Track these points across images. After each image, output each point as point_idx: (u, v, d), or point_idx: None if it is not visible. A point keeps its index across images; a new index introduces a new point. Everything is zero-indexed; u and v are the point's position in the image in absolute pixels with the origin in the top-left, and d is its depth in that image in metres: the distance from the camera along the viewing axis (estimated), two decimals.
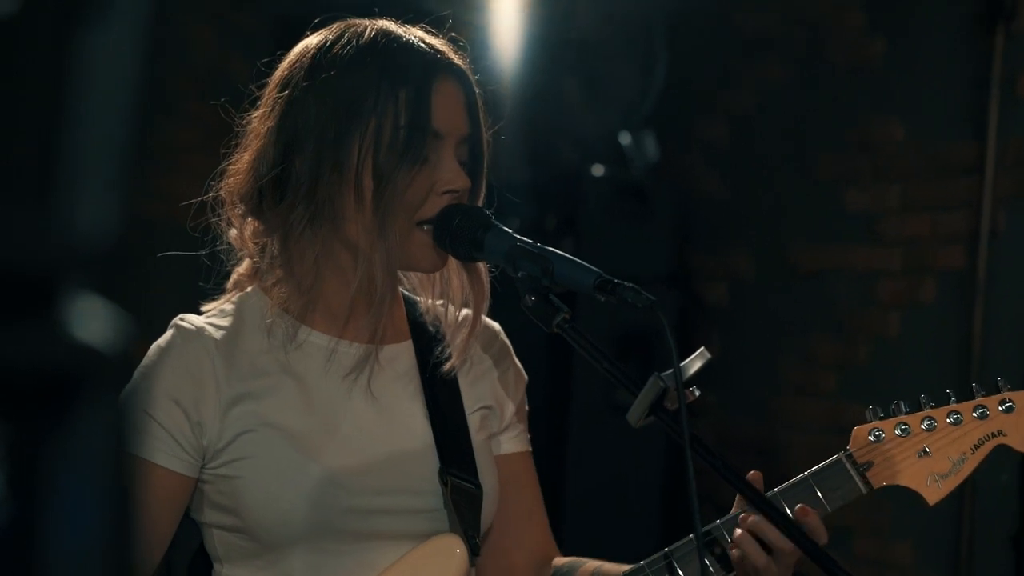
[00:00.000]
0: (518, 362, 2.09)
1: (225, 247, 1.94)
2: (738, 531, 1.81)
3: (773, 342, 5.25)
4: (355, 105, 1.81)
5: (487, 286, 1.94)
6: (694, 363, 1.67)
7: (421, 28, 1.92)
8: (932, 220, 4.66)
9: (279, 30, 4.38)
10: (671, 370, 1.63)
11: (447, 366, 1.93)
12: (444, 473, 1.87)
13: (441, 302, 1.99)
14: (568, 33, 5.64)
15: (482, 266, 1.93)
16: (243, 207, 1.89)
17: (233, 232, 1.92)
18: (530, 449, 2.07)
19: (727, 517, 1.86)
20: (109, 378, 0.67)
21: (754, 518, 1.80)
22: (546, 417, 4.96)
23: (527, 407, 2.09)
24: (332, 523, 1.81)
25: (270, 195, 1.85)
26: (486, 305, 1.96)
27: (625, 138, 5.60)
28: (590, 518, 4.81)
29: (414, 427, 1.90)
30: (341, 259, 1.86)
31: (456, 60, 1.90)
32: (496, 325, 2.07)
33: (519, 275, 1.74)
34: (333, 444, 1.83)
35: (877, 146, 4.87)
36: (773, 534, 1.78)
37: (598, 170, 5.34)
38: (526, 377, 2.09)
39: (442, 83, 1.85)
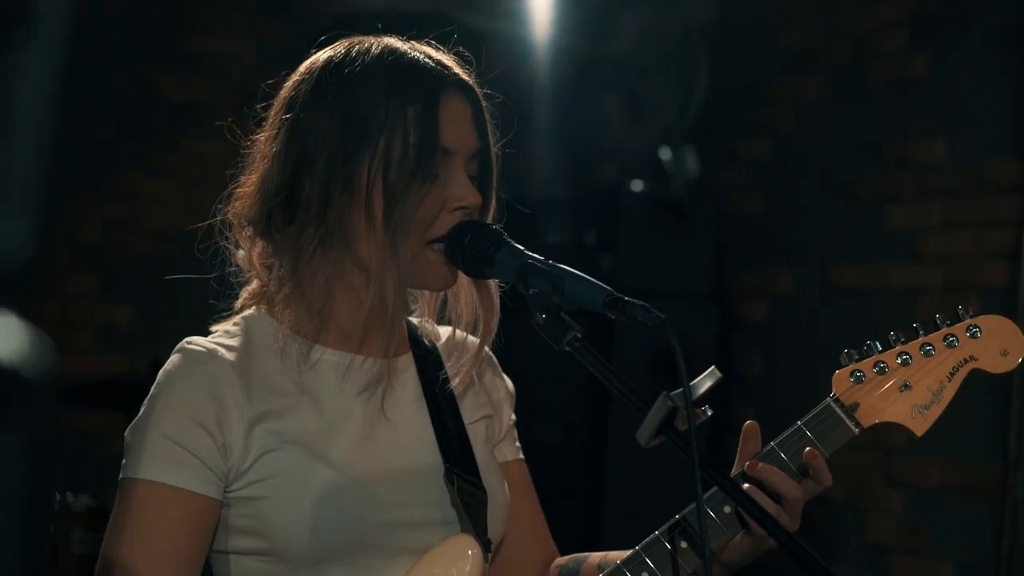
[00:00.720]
0: (506, 376, 2.11)
1: (233, 270, 1.94)
2: (746, 485, 1.83)
3: (812, 361, 5.22)
4: (364, 124, 1.80)
5: (497, 303, 1.95)
6: (704, 382, 1.66)
7: (427, 43, 1.91)
8: (974, 238, 4.63)
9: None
10: (680, 389, 1.61)
11: (455, 383, 1.95)
12: (450, 473, 1.88)
13: (426, 317, 2.01)
14: (608, 49, 5.64)
15: (492, 283, 1.93)
16: (251, 229, 1.89)
17: (241, 254, 1.91)
18: (522, 457, 2.09)
19: (732, 475, 1.86)
20: (25, 398, 0.66)
21: (761, 466, 1.83)
22: (587, 437, 4.95)
23: (515, 418, 2.11)
24: (366, 538, 1.80)
25: (279, 217, 1.84)
26: (496, 322, 1.96)
27: (666, 154, 5.60)
28: (629, 538, 4.78)
29: (423, 439, 1.91)
30: (353, 279, 1.85)
31: (463, 75, 1.90)
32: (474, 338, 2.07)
33: (530, 292, 1.73)
34: (357, 459, 1.83)
35: (918, 164, 4.85)
36: (780, 480, 1.81)
37: (637, 186, 5.33)
38: (513, 389, 2.11)
39: (449, 99, 1.84)
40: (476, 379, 2.02)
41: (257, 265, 1.90)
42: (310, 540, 1.76)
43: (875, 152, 5.02)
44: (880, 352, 1.91)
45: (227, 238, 1.92)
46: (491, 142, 1.91)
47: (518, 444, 2.09)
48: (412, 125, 1.79)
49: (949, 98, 4.76)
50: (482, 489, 1.91)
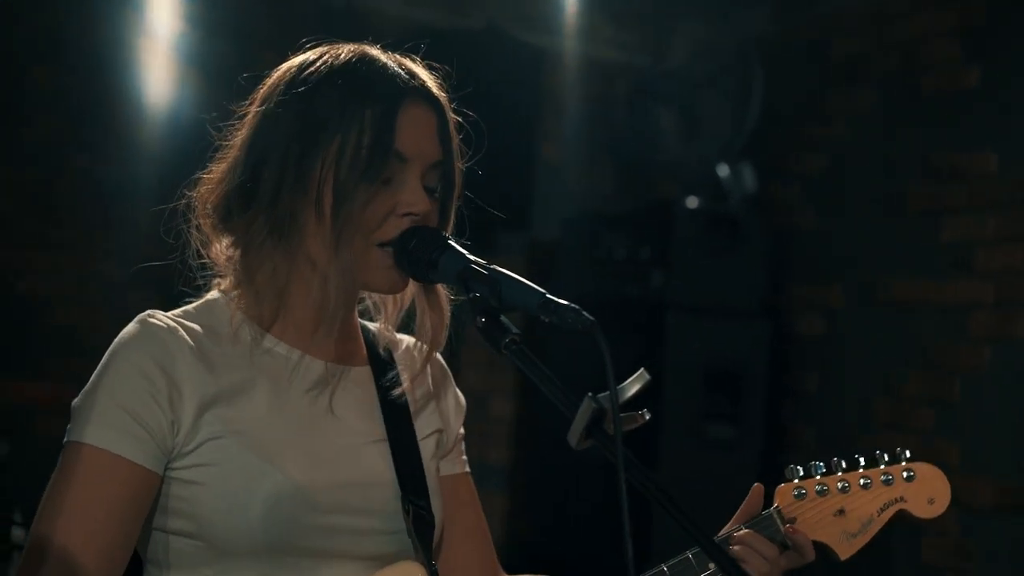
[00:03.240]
0: (457, 388, 2.12)
1: (195, 257, 1.96)
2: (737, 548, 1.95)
3: (867, 376, 5.20)
4: (321, 123, 1.83)
5: (447, 310, 1.96)
6: (632, 385, 1.63)
7: (403, 54, 1.93)
8: None
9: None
10: (607, 392, 1.61)
11: (398, 390, 1.96)
12: (406, 501, 1.90)
13: (389, 327, 2.02)
14: (664, 65, 5.67)
15: (442, 290, 1.95)
16: (214, 216, 1.92)
17: (214, 247, 1.95)
18: (468, 471, 2.11)
19: (721, 534, 1.98)
20: None
21: (743, 532, 1.96)
22: (636, 449, 4.95)
23: (463, 431, 2.12)
24: (292, 538, 1.81)
25: (237, 206, 1.88)
26: (445, 330, 1.98)
27: (722, 170, 5.60)
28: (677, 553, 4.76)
29: (376, 451, 1.92)
30: (304, 273, 1.88)
31: (431, 86, 1.90)
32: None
33: (470, 296, 1.75)
34: (299, 459, 1.84)
35: (971, 176, 4.81)
36: (760, 543, 1.95)
37: (692, 202, 5.34)
38: (464, 402, 2.12)
39: (412, 107, 1.86)
40: (430, 391, 2.04)
41: (221, 256, 1.94)
42: (235, 532, 1.78)
43: (928, 164, 4.99)
44: (824, 474, 2.04)
45: (189, 221, 1.95)
46: (455, 156, 1.92)
47: (465, 457, 2.11)
48: (368, 127, 1.82)
49: (1001, 109, 4.72)
50: (431, 513, 1.93)
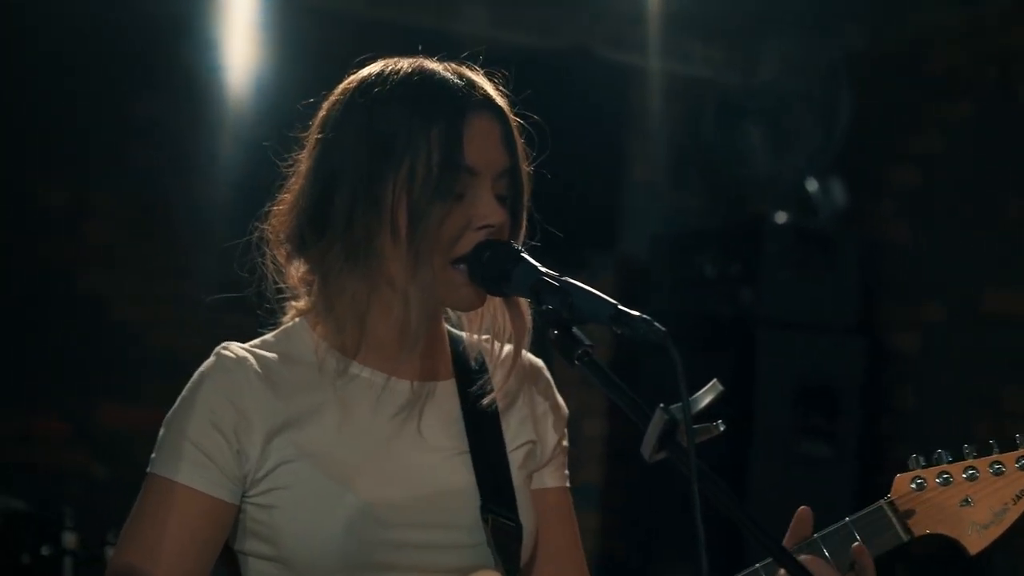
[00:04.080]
0: (560, 397, 2.08)
1: (272, 287, 1.97)
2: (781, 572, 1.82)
3: (967, 392, 5.12)
4: (388, 143, 1.82)
5: (528, 321, 1.94)
6: (705, 396, 1.62)
7: (461, 63, 1.91)
8: None
9: None
10: (679, 403, 1.59)
11: (486, 400, 1.94)
12: (485, 510, 1.88)
13: (487, 337, 1.99)
14: (752, 81, 5.64)
15: (523, 301, 1.92)
16: (289, 246, 1.93)
17: (290, 271, 1.95)
18: (568, 485, 2.07)
19: (765, 563, 1.84)
20: None
21: (803, 557, 1.81)
22: (728, 468, 4.92)
23: (567, 443, 2.08)
24: (369, 556, 1.81)
25: (310, 233, 1.88)
26: (527, 340, 1.96)
27: (812, 184, 5.56)
28: None
29: (457, 464, 1.91)
30: (384, 295, 1.87)
31: (492, 94, 1.89)
32: (539, 361, 2.07)
33: (542, 308, 1.74)
34: (373, 477, 1.84)
35: None
36: (821, 569, 1.80)
37: (781, 217, 5.30)
38: (567, 412, 2.09)
39: (476, 119, 1.84)
40: (526, 401, 2.02)
41: (297, 281, 1.95)
42: (313, 554, 1.79)
43: None
44: (949, 463, 1.86)
45: (264, 254, 1.96)
46: (521, 161, 1.91)
47: (566, 472, 2.08)
48: (435, 145, 1.81)
49: None
50: (516, 523, 1.91)
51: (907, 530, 1.85)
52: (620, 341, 5.63)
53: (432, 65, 1.89)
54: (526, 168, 1.92)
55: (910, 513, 1.84)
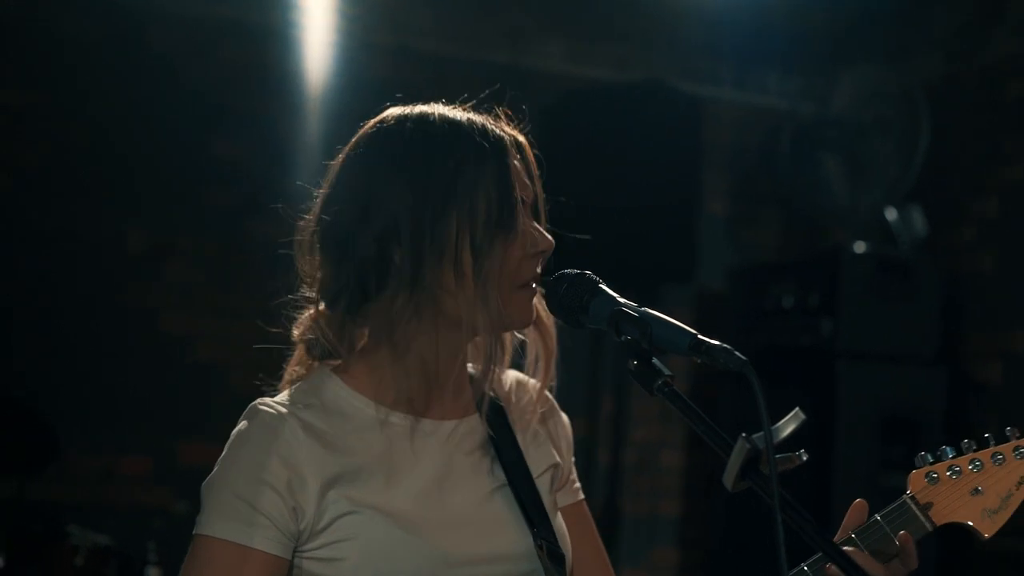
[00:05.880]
0: (562, 413, 2.12)
1: (317, 348, 1.97)
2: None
3: None
4: (446, 191, 1.84)
5: (554, 345, 2.00)
6: (787, 425, 1.61)
7: (469, 107, 1.97)
8: None
9: None
10: (761, 433, 1.58)
11: (508, 432, 1.98)
12: (538, 537, 1.91)
13: (484, 368, 1.99)
14: (827, 110, 5.61)
15: (548, 324, 1.98)
16: (340, 305, 1.92)
17: (327, 335, 1.95)
18: (583, 498, 2.11)
19: (813, 559, 1.87)
20: None
21: (849, 552, 1.84)
22: (811, 501, 4.87)
23: (573, 456, 2.12)
24: None
25: (368, 289, 1.89)
26: (553, 363, 2.01)
27: (891, 214, 5.51)
28: None
29: (501, 498, 1.93)
30: (440, 335, 1.89)
31: (515, 131, 1.97)
32: (536, 382, 2.09)
33: (622, 339, 1.75)
34: (434, 522, 1.85)
35: None
36: (865, 561, 1.83)
37: (860, 247, 5.26)
38: (568, 420, 2.12)
39: (513, 154, 1.92)
40: (541, 426, 2.06)
41: (336, 339, 1.93)
42: None
43: None
44: (953, 457, 2.01)
45: (299, 308, 1.98)
46: (539, 191, 1.98)
47: (578, 485, 2.12)
48: (491, 182, 1.86)
49: None
50: (560, 548, 1.94)
51: (929, 520, 1.96)
52: (697, 376, 5.60)
53: (455, 112, 1.93)
54: (540, 193, 1.99)
55: (929, 505, 1.96)
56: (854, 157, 5.54)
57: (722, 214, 6.10)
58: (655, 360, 1.72)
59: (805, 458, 1.66)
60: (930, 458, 2.01)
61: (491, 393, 2.01)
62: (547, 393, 2.08)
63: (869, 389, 5.07)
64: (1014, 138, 5.29)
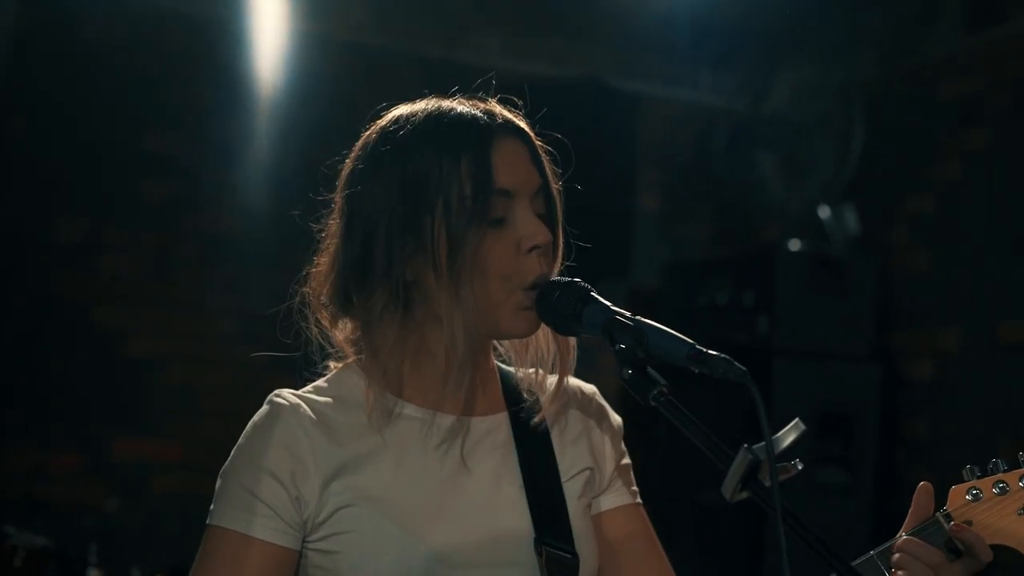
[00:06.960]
0: (614, 414, 2.08)
1: (315, 349, 1.98)
2: (896, 556, 1.82)
3: (982, 420, 5.09)
4: (421, 182, 1.83)
5: (574, 349, 1.96)
6: (788, 435, 1.61)
7: (474, 96, 1.94)
8: None
9: None
10: (763, 443, 1.58)
11: (539, 432, 1.95)
12: (539, 543, 1.87)
13: (533, 369, 2.00)
14: (765, 107, 5.64)
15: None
16: (332, 308, 1.94)
17: (338, 336, 1.97)
18: (637, 501, 2.06)
19: (882, 547, 1.83)
20: None
21: (905, 540, 1.82)
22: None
23: (627, 460, 2.07)
24: None
25: (354, 287, 1.89)
26: (572, 367, 1.97)
27: (824, 212, 5.55)
28: None
29: (510, 499, 1.90)
30: (433, 335, 1.88)
31: (512, 117, 1.91)
32: (591, 387, 2.07)
33: (616, 348, 1.72)
34: (435, 520, 1.84)
35: None
36: (923, 551, 1.80)
37: (795, 244, 5.29)
38: (620, 421, 2.08)
39: (501, 143, 1.86)
40: (580, 428, 2.02)
41: (343, 342, 1.96)
42: None
43: None
44: (1004, 471, 1.85)
45: (306, 317, 1.97)
46: (551, 179, 1.92)
47: (634, 488, 2.06)
48: (466, 174, 1.82)
49: None
50: (573, 554, 1.90)
51: (963, 542, 1.83)
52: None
53: (446, 102, 1.90)
54: (557, 186, 1.93)
55: (967, 524, 1.82)
56: (789, 155, 5.58)
57: (657, 210, 6.11)
58: (650, 369, 1.70)
59: (800, 467, 1.64)
60: (978, 471, 1.86)
61: (527, 395, 1.98)
62: (599, 398, 2.06)
63: (804, 386, 5.10)
64: (947, 137, 5.35)
